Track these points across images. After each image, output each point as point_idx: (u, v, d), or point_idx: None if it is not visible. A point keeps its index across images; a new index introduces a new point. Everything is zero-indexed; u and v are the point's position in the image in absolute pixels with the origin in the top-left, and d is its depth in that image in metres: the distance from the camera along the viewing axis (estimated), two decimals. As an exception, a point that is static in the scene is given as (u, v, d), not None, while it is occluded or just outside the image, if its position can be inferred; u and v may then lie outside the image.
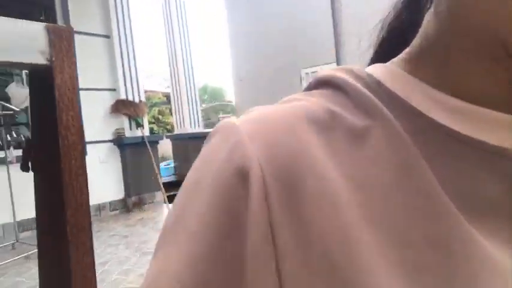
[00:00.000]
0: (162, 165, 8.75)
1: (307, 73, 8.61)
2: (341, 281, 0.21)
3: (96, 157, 5.81)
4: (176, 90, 8.57)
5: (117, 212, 6.01)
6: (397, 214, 0.23)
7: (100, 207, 5.83)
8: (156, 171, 6.21)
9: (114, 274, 3.42)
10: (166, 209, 5.94)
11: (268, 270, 0.21)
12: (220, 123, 0.27)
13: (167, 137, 8.44)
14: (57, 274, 0.78)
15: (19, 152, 4.02)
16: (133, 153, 6.16)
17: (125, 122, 6.20)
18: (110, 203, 5.98)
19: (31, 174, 0.82)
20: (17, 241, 4.35)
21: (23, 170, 0.82)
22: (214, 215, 0.23)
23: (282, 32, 7.65)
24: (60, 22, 5.57)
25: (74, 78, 0.67)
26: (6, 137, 4.25)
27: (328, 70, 0.31)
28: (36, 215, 0.81)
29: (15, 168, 4.19)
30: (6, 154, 4.13)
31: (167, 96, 14.12)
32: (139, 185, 6.21)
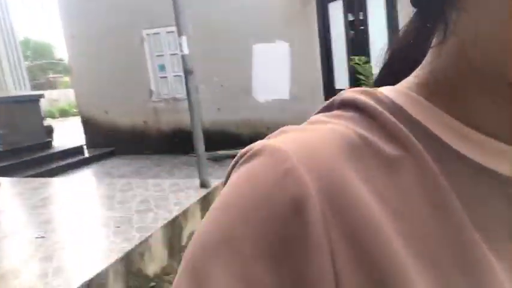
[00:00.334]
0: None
1: (148, 34, 8.38)
2: None
3: None
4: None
5: None
6: (431, 242, 0.25)
7: None
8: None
9: None
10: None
11: None
12: (261, 143, 0.26)
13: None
14: None
15: None
16: None
17: None
18: None
19: None
20: None
21: None
22: (269, 240, 0.22)
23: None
24: None
25: None
26: None
27: (348, 91, 0.31)
28: None
29: None
30: None
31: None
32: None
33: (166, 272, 3.17)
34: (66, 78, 32.98)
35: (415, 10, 0.32)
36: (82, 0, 7.50)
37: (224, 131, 6.83)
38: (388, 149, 0.26)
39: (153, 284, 3.01)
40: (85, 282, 2.47)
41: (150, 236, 3.12)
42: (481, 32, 0.24)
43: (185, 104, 6.90)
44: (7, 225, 3.71)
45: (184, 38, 3.98)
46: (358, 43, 5.85)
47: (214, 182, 4.37)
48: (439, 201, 0.26)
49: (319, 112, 0.32)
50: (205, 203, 3.98)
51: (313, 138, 0.26)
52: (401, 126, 0.27)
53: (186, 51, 3.97)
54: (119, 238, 3.13)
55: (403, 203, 0.25)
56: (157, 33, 7.28)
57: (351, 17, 5.97)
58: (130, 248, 2.92)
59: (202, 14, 6.50)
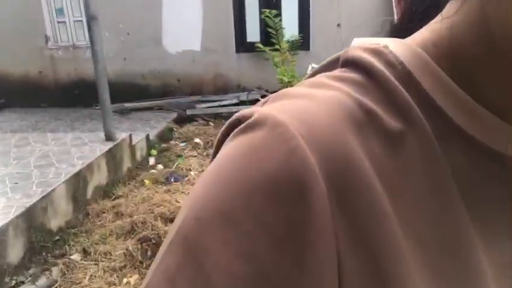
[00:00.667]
0: None
1: None
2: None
3: None
4: None
5: None
6: (424, 224, 0.25)
7: None
8: None
9: None
10: None
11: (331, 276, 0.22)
12: (260, 112, 0.25)
13: None
14: None
15: None
16: None
17: None
18: None
19: None
20: None
21: None
22: (271, 221, 0.21)
23: None
24: None
25: None
26: None
27: (355, 48, 0.29)
28: None
29: None
30: None
31: None
32: None
33: (71, 225, 3.13)
34: None
35: None
36: None
37: (131, 82, 6.53)
38: (392, 122, 0.26)
39: (57, 237, 2.97)
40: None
41: (53, 190, 3.03)
42: None
43: (87, 53, 6.42)
44: None
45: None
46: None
47: (120, 135, 4.28)
48: (436, 182, 0.25)
49: (321, 69, 0.31)
50: (110, 156, 3.91)
51: (316, 112, 0.25)
52: (408, 96, 0.26)
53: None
54: (18, 194, 2.99)
55: (401, 181, 0.25)
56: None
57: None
58: (31, 204, 2.81)
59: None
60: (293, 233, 0.21)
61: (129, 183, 3.93)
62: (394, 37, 0.30)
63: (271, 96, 0.28)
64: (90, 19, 3.90)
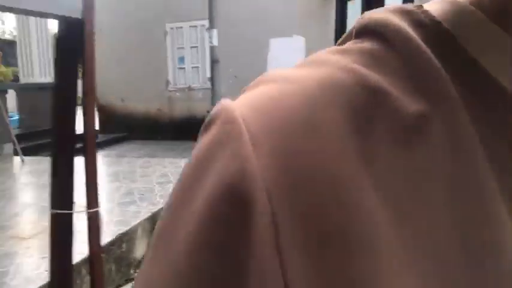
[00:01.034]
0: None
1: (172, 28, 8.88)
2: None
3: None
4: (24, 34, 7.77)
5: (-42, 164, 5.48)
6: (447, 259, 0.18)
7: None
8: (7, 122, 5.81)
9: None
10: (20, 161, 5.68)
11: None
12: (220, 105, 0.20)
13: (13, 87, 7.67)
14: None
15: None
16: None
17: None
18: None
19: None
20: None
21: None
22: (202, 257, 0.17)
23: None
24: None
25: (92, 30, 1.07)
26: None
27: (381, 9, 0.22)
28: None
29: None
30: None
31: None
32: (-16, 137, 5.73)
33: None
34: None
35: None
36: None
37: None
38: (410, 103, 0.19)
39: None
40: (119, 234, 2.91)
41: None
42: None
43: (199, 93, 7.47)
44: (34, 198, 4.17)
45: (215, 31, 4.46)
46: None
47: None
48: (466, 185, 0.18)
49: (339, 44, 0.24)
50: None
51: (287, 100, 0.19)
52: (438, 64, 0.19)
53: (215, 42, 4.44)
54: (144, 203, 3.59)
55: (412, 198, 0.18)
56: (180, 27, 7.77)
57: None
58: (155, 210, 3.37)
59: (223, 9, 6.94)
60: (223, 257, 0.17)
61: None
62: None
63: (255, 81, 0.22)
64: (214, 63, 4.66)
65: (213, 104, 4.90)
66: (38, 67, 7.97)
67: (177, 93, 7.92)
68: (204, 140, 0.20)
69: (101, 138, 8.08)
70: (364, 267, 0.16)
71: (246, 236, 0.17)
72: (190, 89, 7.84)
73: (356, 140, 0.18)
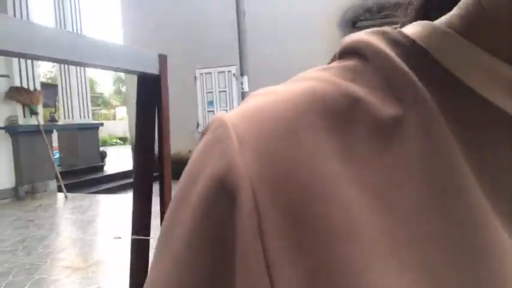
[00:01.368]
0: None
1: (201, 73, 9.48)
2: None
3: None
4: (65, 79, 8.48)
5: (7, 200, 5.89)
6: (429, 248, 0.18)
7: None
8: (52, 160, 6.27)
9: (39, 248, 3.72)
10: (64, 198, 6.07)
11: None
12: (214, 117, 0.22)
13: (57, 127, 8.25)
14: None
15: None
16: (26, 141, 6.11)
17: (18, 109, 6.11)
18: (-2, 191, 5.85)
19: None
20: None
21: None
22: (196, 244, 0.19)
23: (179, 39, 8.43)
24: None
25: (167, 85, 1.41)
26: None
27: (360, 33, 0.24)
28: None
29: None
30: None
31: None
32: (32, 174, 6.18)
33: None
34: (104, 111, 35.16)
35: None
36: (144, 44, 8.68)
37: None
38: (386, 108, 0.20)
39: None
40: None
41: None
42: None
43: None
44: (90, 228, 4.48)
45: (246, 78, 4.85)
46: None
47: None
48: (445, 183, 0.19)
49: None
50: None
51: (270, 104, 0.21)
52: (412, 74, 0.21)
53: (246, 88, 4.83)
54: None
55: (395, 188, 0.19)
56: (209, 73, 8.33)
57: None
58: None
59: (257, 55, 7.48)
60: (223, 252, 0.19)
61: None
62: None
63: (248, 96, 0.24)
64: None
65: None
66: (78, 108, 8.61)
67: (207, 135, 8.36)
68: (200, 145, 0.22)
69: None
70: (344, 251, 0.17)
71: (231, 222, 0.18)
72: (219, 130, 8.27)
73: (334, 140, 0.19)
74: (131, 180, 8.70)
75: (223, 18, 7.59)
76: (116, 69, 1.34)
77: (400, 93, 0.21)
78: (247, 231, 0.18)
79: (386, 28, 0.24)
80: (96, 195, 6.52)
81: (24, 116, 6.19)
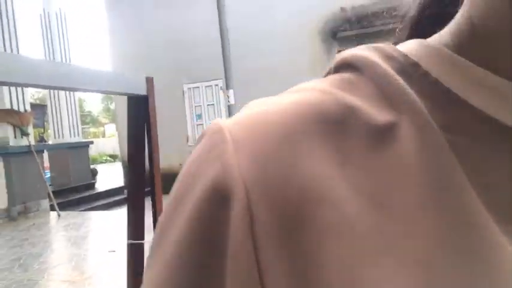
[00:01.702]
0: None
1: (189, 88, 9.67)
2: None
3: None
4: (54, 99, 8.59)
5: (0, 221, 5.94)
6: (424, 244, 0.18)
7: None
8: (44, 179, 6.35)
9: (35, 264, 3.81)
10: (57, 216, 6.14)
11: None
12: (211, 123, 0.23)
13: (48, 147, 8.32)
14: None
15: None
16: (17, 162, 6.19)
17: (9, 131, 6.20)
18: (-10, 213, 5.87)
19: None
20: None
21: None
22: (189, 246, 0.20)
23: (166, 56, 8.60)
24: None
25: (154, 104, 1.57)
26: None
27: (356, 48, 0.25)
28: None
29: None
30: None
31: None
32: (24, 194, 6.24)
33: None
34: (93, 129, 35.11)
35: None
36: (133, 62, 8.84)
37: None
38: (380, 115, 0.21)
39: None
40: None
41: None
42: None
43: (218, 148, 7.95)
44: (85, 243, 4.57)
45: (231, 91, 4.98)
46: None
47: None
48: (441, 186, 0.19)
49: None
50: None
51: (267, 112, 0.22)
52: (404, 84, 0.22)
53: (232, 101, 4.96)
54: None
55: (389, 189, 0.19)
56: (197, 87, 8.51)
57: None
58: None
59: (242, 69, 7.68)
60: (214, 255, 0.19)
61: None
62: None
63: (243, 107, 0.25)
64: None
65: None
66: (68, 128, 8.70)
67: (196, 148, 8.51)
68: (196, 149, 0.23)
69: (126, 192, 8.57)
70: (334, 247, 0.18)
71: (225, 224, 0.19)
72: (208, 143, 8.43)
73: (328, 144, 0.20)
74: (123, 196, 8.84)
75: (208, 34, 7.80)
76: (108, 93, 1.50)
77: (393, 101, 0.22)
78: (239, 232, 0.18)
79: (381, 44, 0.25)
80: (89, 212, 6.60)
81: (15, 137, 6.28)
